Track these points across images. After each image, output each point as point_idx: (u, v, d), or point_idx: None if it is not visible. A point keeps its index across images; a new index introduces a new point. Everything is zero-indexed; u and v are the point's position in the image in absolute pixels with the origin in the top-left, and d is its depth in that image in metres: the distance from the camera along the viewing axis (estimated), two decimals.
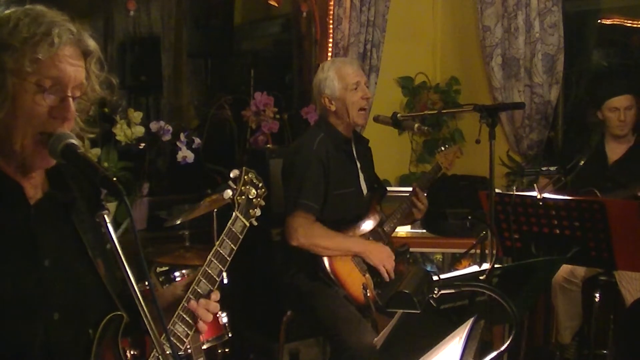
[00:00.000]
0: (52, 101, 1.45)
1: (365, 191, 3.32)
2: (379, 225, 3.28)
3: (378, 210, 3.32)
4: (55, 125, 1.45)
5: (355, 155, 3.32)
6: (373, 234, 3.26)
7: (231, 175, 1.90)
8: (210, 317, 1.75)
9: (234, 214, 1.85)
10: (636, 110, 3.74)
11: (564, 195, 2.99)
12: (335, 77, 3.19)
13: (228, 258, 1.81)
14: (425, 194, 3.34)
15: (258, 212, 1.91)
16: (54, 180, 1.56)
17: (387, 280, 3.15)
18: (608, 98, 3.73)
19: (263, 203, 1.93)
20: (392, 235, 3.39)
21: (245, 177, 1.91)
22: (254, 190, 1.90)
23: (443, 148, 3.46)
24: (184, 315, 1.72)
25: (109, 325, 1.57)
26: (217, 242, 1.81)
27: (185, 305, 1.73)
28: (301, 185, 3.08)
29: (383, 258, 3.16)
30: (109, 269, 1.59)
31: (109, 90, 1.56)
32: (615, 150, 3.82)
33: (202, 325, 1.74)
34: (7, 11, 1.46)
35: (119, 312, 1.58)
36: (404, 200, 3.34)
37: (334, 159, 3.17)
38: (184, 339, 1.72)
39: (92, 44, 1.51)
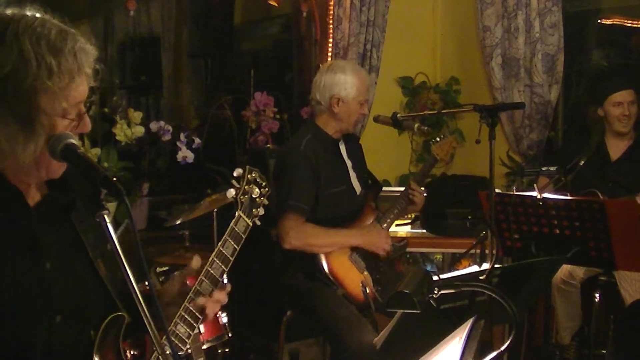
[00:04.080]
0: (74, 123, 1.46)
1: (358, 189, 3.32)
2: (376, 222, 3.27)
3: (373, 207, 3.32)
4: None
5: (345, 154, 3.31)
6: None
7: (234, 174, 1.87)
8: (218, 309, 1.75)
9: (236, 213, 1.82)
10: (638, 107, 3.75)
11: (564, 195, 2.99)
12: (355, 85, 3.17)
13: (231, 258, 1.79)
14: (424, 189, 3.33)
15: (261, 211, 1.88)
16: (53, 182, 1.55)
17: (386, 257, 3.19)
18: (611, 93, 3.73)
19: (266, 202, 1.90)
20: (392, 235, 3.39)
21: (249, 176, 1.88)
22: (257, 190, 1.87)
23: (438, 139, 3.46)
24: (186, 316, 1.71)
25: (111, 326, 1.57)
26: (220, 242, 1.79)
27: (187, 305, 1.71)
28: (290, 187, 3.07)
29: (380, 242, 3.18)
30: (110, 270, 1.58)
31: (97, 78, 1.52)
32: (616, 148, 3.81)
33: (210, 313, 1.74)
34: (26, 44, 1.38)
35: (120, 313, 1.57)
36: (400, 196, 3.33)
37: (322, 159, 3.17)
38: (186, 340, 1.70)
39: (93, 48, 1.50)
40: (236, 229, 1.81)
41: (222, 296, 1.76)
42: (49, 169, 1.47)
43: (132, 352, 2.57)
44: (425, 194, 3.33)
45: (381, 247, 3.18)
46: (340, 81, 3.18)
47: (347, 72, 3.21)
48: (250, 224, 1.85)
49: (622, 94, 3.71)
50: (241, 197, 1.85)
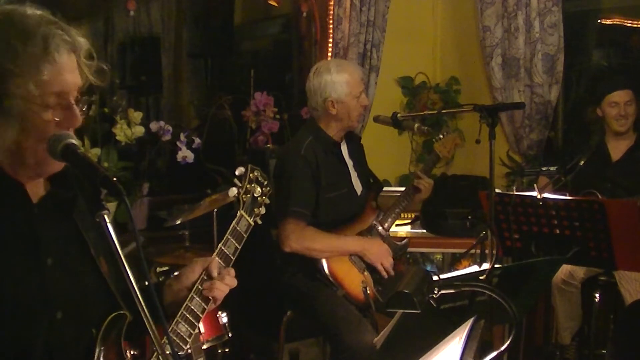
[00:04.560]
0: (58, 114, 1.44)
1: (359, 189, 3.30)
2: (376, 221, 3.27)
3: (374, 206, 3.31)
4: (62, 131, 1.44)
5: (347, 155, 3.30)
6: (370, 231, 3.25)
7: (236, 172, 1.86)
8: (226, 291, 1.74)
9: (238, 212, 1.82)
10: (636, 107, 3.75)
11: (564, 195, 2.99)
12: (344, 82, 3.12)
13: (232, 257, 1.79)
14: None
15: (263, 210, 1.88)
16: (55, 178, 1.55)
17: (386, 277, 3.14)
18: (608, 93, 3.74)
19: (268, 201, 1.90)
20: (392, 235, 3.39)
21: (251, 174, 1.87)
22: (259, 189, 1.87)
23: (441, 136, 3.46)
24: (188, 315, 1.71)
25: (112, 324, 1.57)
26: (222, 241, 1.79)
27: (189, 304, 1.71)
28: (290, 192, 3.06)
29: (380, 255, 3.14)
30: (112, 267, 1.58)
31: (102, 77, 1.53)
32: (616, 149, 3.81)
33: (220, 295, 1.73)
34: (1, 32, 1.40)
35: (122, 311, 1.57)
36: (401, 196, 3.32)
37: (323, 162, 3.14)
38: (187, 339, 1.70)
39: (81, 40, 1.49)
40: (238, 228, 1.81)
41: (228, 279, 1.75)
42: (43, 166, 1.47)
43: (132, 352, 2.57)
44: (432, 182, 3.32)
45: (380, 260, 3.14)
46: (328, 82, 3.13)
47: (332, 71, 3.15)
48: (252, 223, 1.85)
49: (618, 94, 3.72)
50: (243, 196, 1.84)
